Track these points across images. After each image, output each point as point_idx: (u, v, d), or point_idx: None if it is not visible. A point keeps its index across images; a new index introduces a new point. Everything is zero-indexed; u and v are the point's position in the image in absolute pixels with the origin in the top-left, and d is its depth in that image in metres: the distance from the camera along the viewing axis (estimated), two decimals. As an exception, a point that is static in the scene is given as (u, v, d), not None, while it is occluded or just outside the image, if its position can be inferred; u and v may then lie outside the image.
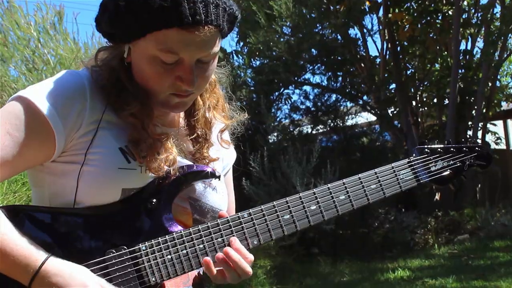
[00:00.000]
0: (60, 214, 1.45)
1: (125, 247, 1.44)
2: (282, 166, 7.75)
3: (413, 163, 1.77)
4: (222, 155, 1.73)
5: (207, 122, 1.65)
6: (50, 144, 1.42)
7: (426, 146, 1.82)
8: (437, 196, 10.61)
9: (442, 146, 1.85)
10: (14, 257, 1.32)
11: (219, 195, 1.65)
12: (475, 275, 6.81)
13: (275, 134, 9.41)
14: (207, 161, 1.63)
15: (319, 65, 10.49)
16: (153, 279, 1.44)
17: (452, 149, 1.86)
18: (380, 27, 11.28)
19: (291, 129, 10.15)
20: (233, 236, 1.51)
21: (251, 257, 1.51)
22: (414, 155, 1.79)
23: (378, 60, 11.76)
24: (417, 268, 7.67)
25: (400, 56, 11.49)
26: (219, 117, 1.68)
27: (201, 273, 1.62)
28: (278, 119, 9.90)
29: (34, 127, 1.40)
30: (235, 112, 1.75)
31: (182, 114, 1.65)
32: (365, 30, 11.09)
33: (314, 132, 10.51)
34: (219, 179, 1.69)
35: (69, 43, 7.01)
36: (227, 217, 1.53)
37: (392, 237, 9.17)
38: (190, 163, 1.59)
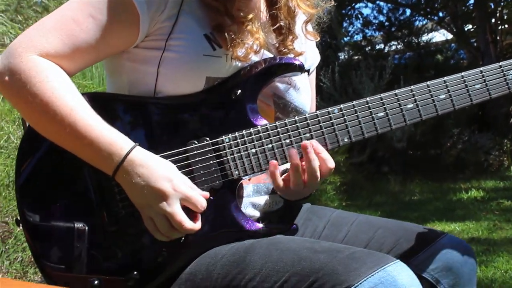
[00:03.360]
0: (140, 102, 1.37)
1: (207, 139, 1.35)
2: (354, 82, 7.53)
3: None
4: (307, 51, 1.60)
5: (290, 12, 1.51)
6: (134, 27, 1.32)
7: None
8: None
9: None
10: (99, 144, 1.25)
11: (303, 95, 1.55)
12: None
13: (346, 49, 9.13)
14: (292, 54, 1.51)
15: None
16: (236, 172, 1.36)
17: None
18: None
19: (363, 44, 9.82)
20: (321, 134, 1.39)
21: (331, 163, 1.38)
22: None
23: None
24: (491, 189, 7.44)
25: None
26: (303, 6, 1.53)
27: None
28: (349, 34, 9.58)
29: (118, 9, 1.31)
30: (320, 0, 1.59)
31: (263, 6, 1.52)
32: None
33: (386, 48, 10.15)
34: (308, 74, 1.58)
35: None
36: (316, 112, 1.41)
37: (465, 157, 8.93)
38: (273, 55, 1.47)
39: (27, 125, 1.37)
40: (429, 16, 10.73)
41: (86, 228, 1.32)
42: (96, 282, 1.31)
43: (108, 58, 1.44)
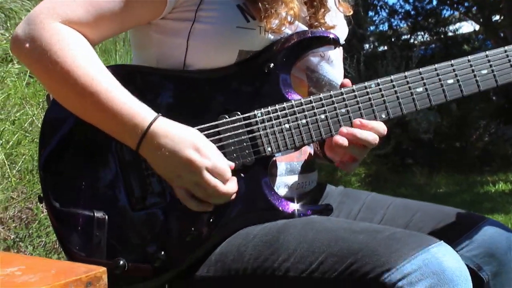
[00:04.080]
0: (169, 75, 1.32)
1: (238, 113, 1.29)
2: (379, 72, 7.44)
3: None
4: (338, 24, 1.53)
5: None
6: None
7: None
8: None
9: None
10: (122, 116, 1.19)
11: (336, 69, 1.50)
12: None
13: (372, 39, 9.03)
14: (324, 28, 1.44)
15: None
16: (269, 149, 1.29)
17: None
18: None
19: (389, 34, 9.70)
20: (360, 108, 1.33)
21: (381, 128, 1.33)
22: None
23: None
24: (519, 182, 7.33)
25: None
26: None
27: (312, 153, 1.48)
28: (375, 23, 9.47)
29: None
30: None
31: None
32: None
33: (412, 39, 10.02)
34: (342, 47, 1.51)
35: None
36: (352, 87, 1.34)
37: (492, 150, 8.82)
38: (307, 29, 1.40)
39: (50, 103, 1.32)
40: (456, 6, 10.57)
41: (112, 210, 1.27)
42: (121, 262, 1.25)
43: (135, 30, 1.39)
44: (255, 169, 1.29)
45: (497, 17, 11.06)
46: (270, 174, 1.34)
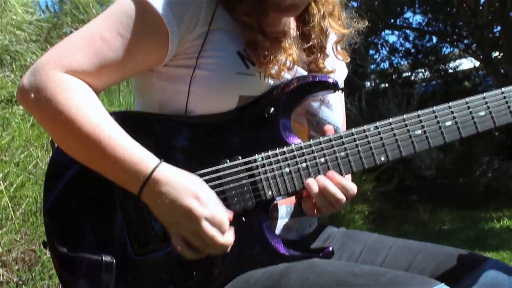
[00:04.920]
0: (171, 121, 1.34)
1: (239, 157, 1.31)
2: (381, 110, 7.49)
3: None
4: (337, 69, 1.56)
5: (323, 31, 1.48)
6: (163, 46, 1.29)
7: None
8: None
9: None
10: (125, 162, 1.21)
11: (336, 112, 1.51)
12: None
13: (373, 77, 9.10)
14: (323, 73, 1.47)
15: (418, 4, 9.95)
16: (269, 193, 1.30)
17: None
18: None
19: (390, 72, 9.78)
20: (355, 148, 1.34)
21: (354, 189, 1.34)
22: None
23: (482, 1, 11.04)
24: (524, 218, 7.29)
25: (507, -4, 10.73)
26: (335, 26, 1.50)
27: None
28: (376, 61, 9.55)
29: (147, 27, 1.28)
30: (353, 20, 1.56)
31: (293, 24, 1.49)
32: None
33: (413, 76, 10.09)
34: (342, 91, 1.55)
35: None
36: (351, 130, 1.36)
37: (495, 186, 8.79)
38: (306, 73, 1.43)
39: (55, 147, 1.34)
40: (455, 43, 10.66)
41: (115, 257, 1.28)
42: None
43: (137, 76, 1.42)
44: (256, 213, 1.30)
45: (496, 53, 11.13)
46: (271, 218, 1.35)
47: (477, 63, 11.36)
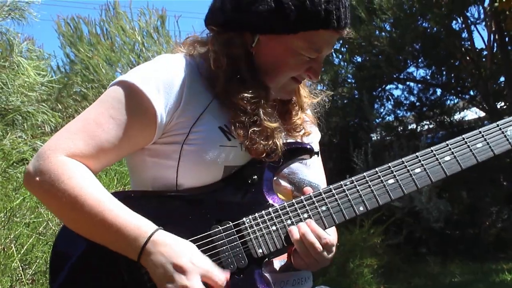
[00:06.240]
0: (164, 197, 1.47)
1: (229, 222, 1.43)
2: (387, 163, 7.49)
3: None
4: (312, 133, 1.70)
5: (302, 108, 1.67)
6: (152, 125, 1.42)
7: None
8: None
9: None
10: (126, 229, 1.33)
11: (313, 171, 1.64)
12: None
13: (379, 130, 9.16)
14: (300, 139, 1.63)
15: (422, 59, 10.11)
16: (260, 251, 1.42)
17: None
18: (486, 18, 10.73)
19: (396, 125, 9.85)
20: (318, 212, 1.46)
21: (329, 239, 1.44)
22: None
23: (484, 52, 11.19)
24: (535, 269, 7.20)
25: (509, 48, 10.86)
26: (307, 100, 1.69)
27: None
28: (381, 115, 9.63)
29: (136, 108, 1.42)
30: (319, 93, 1.73)
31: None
32: (469, 21, 10.59)
33: (419, 128, 10.15)
34: (318, 155, 1.67)
35: (171, 46, 7.14)
36: (329, 187, 1.48)
37: (505, 237, 8.69)
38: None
39: (59, 229, 1.47)
40: (460, 95, 10.76)
41: None
42: None
43: (131, 155, 1.54)
44: (249, 270, 1.41)
45: (501, 104, 11.20)
46: (266, 271, 1.45)
47: (482, 114, 11.44)
